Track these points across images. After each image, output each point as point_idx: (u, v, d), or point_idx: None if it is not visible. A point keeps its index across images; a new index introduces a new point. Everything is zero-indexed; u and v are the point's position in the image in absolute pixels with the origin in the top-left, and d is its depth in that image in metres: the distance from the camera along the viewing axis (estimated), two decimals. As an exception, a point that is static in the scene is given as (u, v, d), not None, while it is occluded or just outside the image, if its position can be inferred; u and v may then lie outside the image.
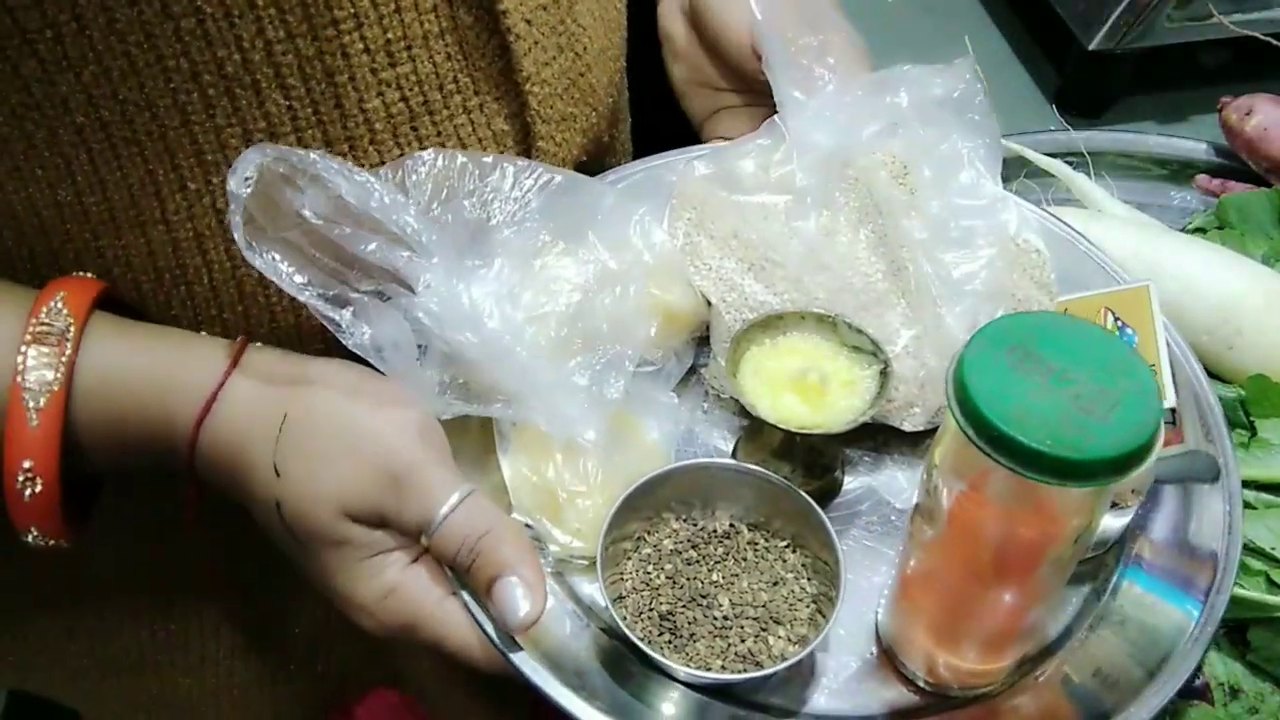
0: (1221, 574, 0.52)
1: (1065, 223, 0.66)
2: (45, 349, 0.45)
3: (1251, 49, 0.92)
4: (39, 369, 0.45)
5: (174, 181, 0.47)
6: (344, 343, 0.46)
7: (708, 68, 0.67)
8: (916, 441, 0.58)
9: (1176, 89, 1.05)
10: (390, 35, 0.48)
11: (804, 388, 0.52)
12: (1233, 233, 0.74)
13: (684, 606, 0.49)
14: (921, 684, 0.49)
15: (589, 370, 0.49)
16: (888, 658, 0.50)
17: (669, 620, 0.49)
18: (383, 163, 0.50)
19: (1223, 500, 0.54)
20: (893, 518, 0.56)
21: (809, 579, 0.50)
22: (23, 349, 0.45)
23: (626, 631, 0.47)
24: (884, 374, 0.52)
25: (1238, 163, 0.84)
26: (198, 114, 0.46)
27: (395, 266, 0.45)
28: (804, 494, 0.50)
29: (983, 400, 0.38)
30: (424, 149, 0.49)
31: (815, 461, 0.55)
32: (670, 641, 0.48)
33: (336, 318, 0.45)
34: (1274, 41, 0.90)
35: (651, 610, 0.49)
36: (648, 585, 0.50)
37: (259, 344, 0.49)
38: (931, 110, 0.61)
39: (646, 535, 0.52)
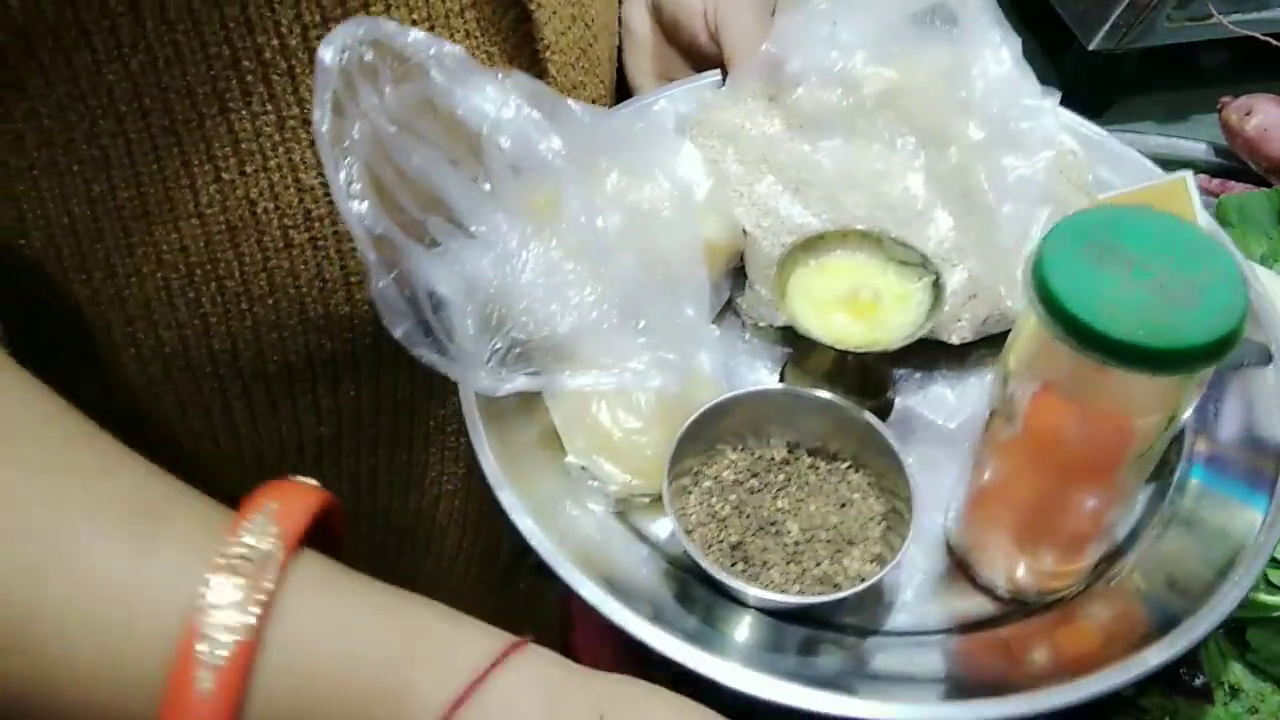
0: (1287, 463, 0.51)
1: (1092, 123, 0.65)
2: (239, 578, 0.34)
3: (1251, 49, 0.91)
4: (227, 607, 0.33)
5: (209, 172, 0.46)
6: (371, 293, 0.42)
7: (666, 56, 0.68)
8: (963, 355, 0.57)
9: (1176, 89, 1.04)
10: (415, 15, 0.47)
11: (856, 306, 0.51)
12: (1233, 232, 0.73)
13: (753, 535, 0.49)
14: (1000, 592, 0.49)
15: (665, 319, 0.47)
16: (961, 569, 0.50)
17: (740, 550, 0.48)
18: None
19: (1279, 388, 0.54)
20: (944, 434, 0.55)
21: (876, 497, 0.50)
22: (209, 577, 0.33)
23: (702, 561, 0.46)
24: (936, 286, 0.51)
25: (1238, 163, 0.84)
26: (235, 100, 0.45)
27: (451, 197, 0.43)
28: (865, 412, 0.49)
29: (1068, 297, 0.37)
30: None
31: (867, 381, 0.54)
32: (744, 571, 0.48)
33: (373, 257, 0.40)
34: (1274, 41, 0.89)
35: (721, 542, 0.48)
36: (714, 518, 0.49)
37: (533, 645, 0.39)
38: (939, 18, 0.59)
39: (704, 469, 0.51)
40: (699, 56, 0.68)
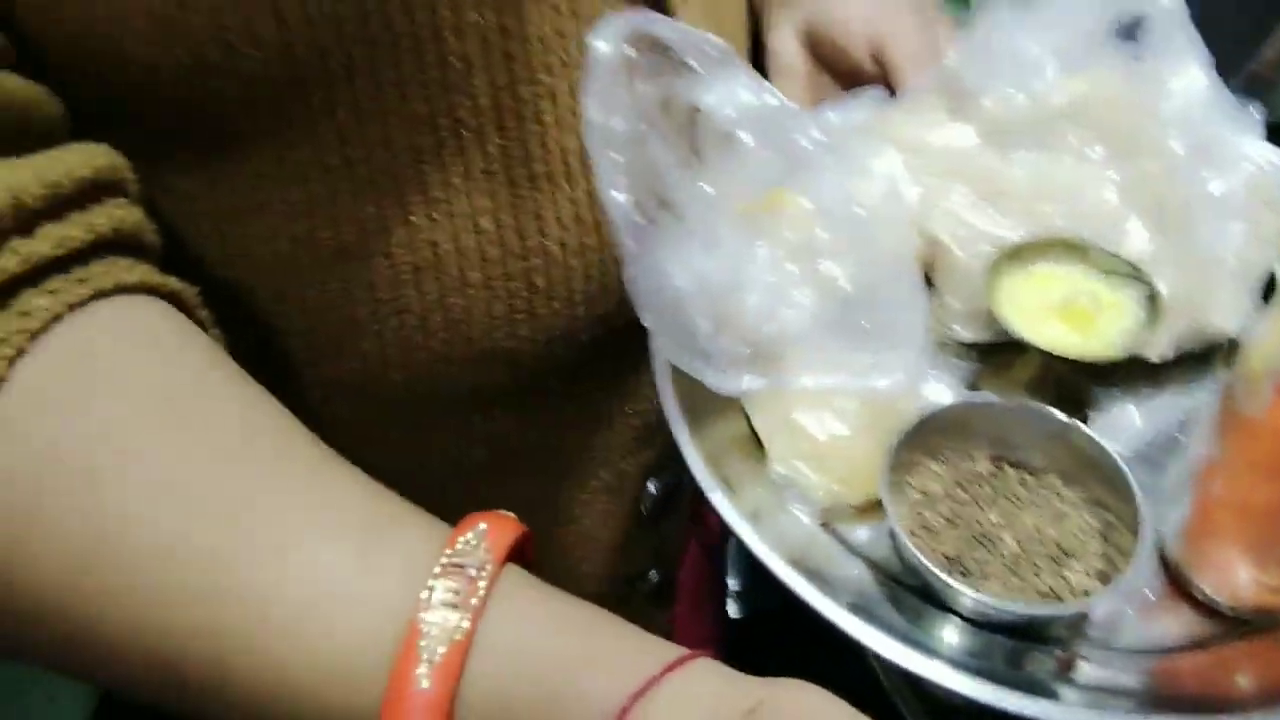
0: None
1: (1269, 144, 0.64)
2: (455, 584, 0.36)
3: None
4: (446, 609, 0.36)
5: (399, 216, 0.48)
6: (625, 281, 0.43)
7: (819, 83, 0.69)
8: (1155, 375, 0.56)
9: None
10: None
11: (1071, 314, 0.50)
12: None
13: (968, 547, 0.48)
14: (1223, 609, 0.47)
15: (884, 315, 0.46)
16: (1177, 584, 0.49)
17: (957, 563, 0.47)
18: (573, 194, 0.50)
19: None
20: (1137, 452, 0.54)
21: (1090, 512, 0.49)
22: (432, 582, 0.36)
23: (926, 564, 0.45)
24: (1152, 298, 0.50)
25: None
26: (428, 153, 0.47)
27: (679, 197, 0.43)
28: (1081, 425, 0.48)
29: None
30: None
31: (1069, 397, 0.53)
32: (962, 584, 0.47)
33: (632, 246, 0.41)
34: None
35: (936, 552, 0.48)
36: (926, 529, 0.49)
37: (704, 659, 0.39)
38: (1129, 29, 0.59)
39: (908, 480, 0.50)
40: (858, 80, 0.68)
